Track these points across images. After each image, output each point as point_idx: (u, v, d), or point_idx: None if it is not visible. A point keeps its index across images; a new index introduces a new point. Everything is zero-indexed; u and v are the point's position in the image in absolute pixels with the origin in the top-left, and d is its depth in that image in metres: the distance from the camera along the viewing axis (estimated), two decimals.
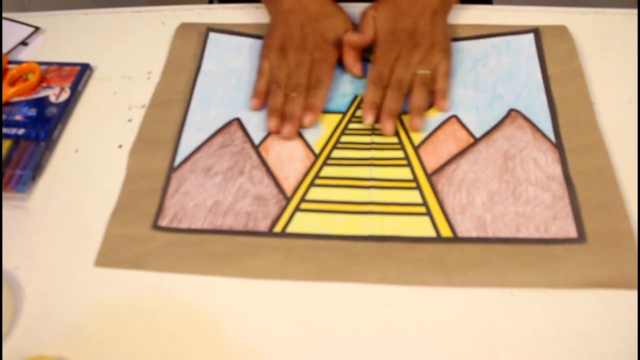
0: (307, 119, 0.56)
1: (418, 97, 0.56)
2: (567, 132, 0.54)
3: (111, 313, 0.45)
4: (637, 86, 0.58)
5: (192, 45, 0.65)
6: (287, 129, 0.55)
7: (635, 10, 0.66)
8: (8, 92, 0.59)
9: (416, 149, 0.54)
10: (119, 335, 0.43)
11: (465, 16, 0.66)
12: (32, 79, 0.60)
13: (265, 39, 0.62)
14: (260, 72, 0.60)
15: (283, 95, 0.57)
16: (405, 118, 0.56)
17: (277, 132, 0.55)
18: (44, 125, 0.57)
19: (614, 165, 0.51)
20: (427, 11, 0.61)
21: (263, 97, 0.58)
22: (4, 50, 0.65)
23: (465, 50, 0.63)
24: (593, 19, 0.65)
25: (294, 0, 0.63)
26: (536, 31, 0.63)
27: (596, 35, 0.63)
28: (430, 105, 0.57)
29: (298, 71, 0.58)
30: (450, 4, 0.64)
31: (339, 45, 0.61)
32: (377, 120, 0.56)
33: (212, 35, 0.66)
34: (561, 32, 0.63)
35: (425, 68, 0.57)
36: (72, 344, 0.43)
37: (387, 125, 0.55)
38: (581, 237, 0.47)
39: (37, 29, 0.68)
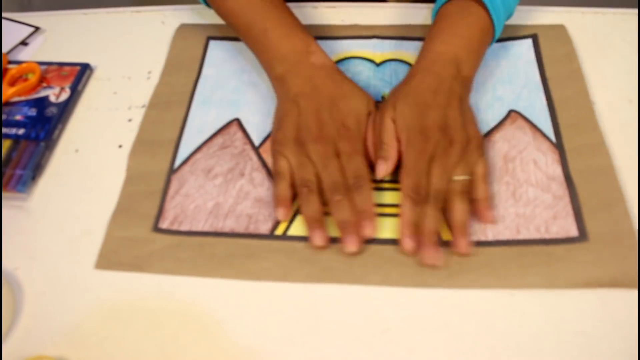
0: (367, 229, 0.46)
1: (461, 211, 0.47)
2: (567, 132, 0.54)
3: (111, 313, 0.45)
4: (637, 86, 0.58)
5: (191, 47, 0.65)
6: (352, 242, 0.46)
7: (635, 10, 0.66)
8: (8, 92, 0.59)
9: None
10: (119, 336, 0.43)
11: None
12: (32, 79, 0.60)
13: (275, 132, 0.53)
14: (277, 173, 0.50)
15: (318, 200, 0.48)
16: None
17: (326, 246, 0.47)
18: (44, 125, 0.57)
19: (614, 165, 0.51)
20: (454, 100, 0.51)
21: (291, 203, 0.49)
22: (4, 50, 0.65)
23: None
24: (593, 19, 0.65)
25: (304, 81, 0.54)
26: (534, 37, 0.63)
27: (596, 35, 0.63)
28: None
29: (328, 168, 0.49)
30: (470, 86, 0.55)
31: (362, 130, 0.52)
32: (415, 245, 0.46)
33: (212, 43, 0.66)
34: (560, 34, 0.63)
35: (463, 171, 0.48)
36: (72, 344, 0.43)
37: (432, 255, 0.45)
38: (582, 236, 0.47)
39: (37, 28, 0.68)
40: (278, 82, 0.56)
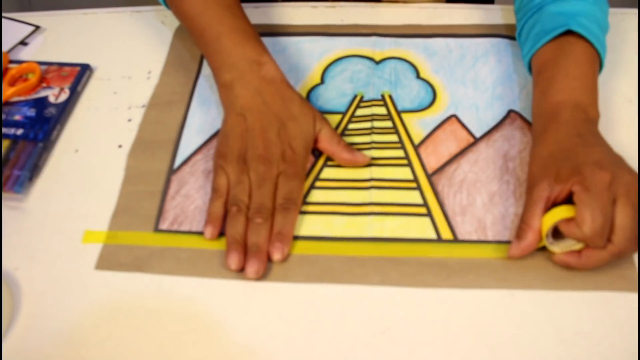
0: (277, 253, 0.46)
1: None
2: None
3: (111, 313, 0.45)
4: (637, 86, 0.58)
5: (190, 47, 0.65)
6: (253, 268, 0.45)
7: (635, 10, 0.66)
8: (8, 92, 0.59)
9: (416, 148, 0.54)
10: (119, 336, 0.43)
11: (465, 16, 0.66)
12: (32, 79, 0.60)
13: (220, 144, 0.52)
14: (215, 189, 0.50)
15: (245, 221, 0.47)
16: (405, 116, 0.56)
17: (240, 270, 0.46)
18: (43, 125, 0.57)
19: None
20: (604, 146, 0.47)
21: (221, 223, 0.48)
22: (4, 49, 0.65)
23: (465, 48, 0.63)
24: None
25: (252, 94, 0.52)
26: None
27: None
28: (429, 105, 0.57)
29: (262, 189, 0.48)
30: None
31: (307, 153, 0.52)
32: None
33: None
34: None
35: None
36: (72, 344, 0.43)
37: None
38: None
39: (37, 27, 0.68)
40: (225, 89, 0.54)
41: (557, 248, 0.44)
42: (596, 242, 0.42)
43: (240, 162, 0.50)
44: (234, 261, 0.46)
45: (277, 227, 0.47)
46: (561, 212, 0.43)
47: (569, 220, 0.43)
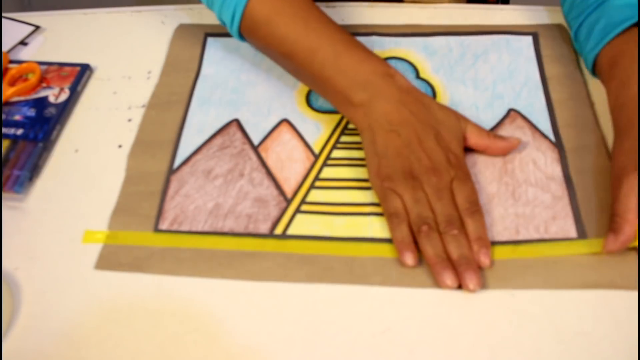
0: (485, 259, 0.44)
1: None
2: (567, 132, 0.54)
3: (111, 313, 0.45)
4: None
5: (190, 47, 0.65)
6: (474, 281, 0.43)
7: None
8: (8, 91, 0.59)
9: None
10: (118, 336, 0.43)
11: (465, 16, 0.66)
12: (32, 79, 0.60)
13: (379, 166, 0.49)
14: (393, 214, 0.47)
15: (439, 236, 0.45)
16: None
17: (457, 287, 0.44)
18: (43, 125, 0.57)
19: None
20: None
21: (414, 246, 0.46)
22: (4, 49, 0.65)
23: (465, 46, 0.63)
24: None
25: (396, 107, 0.50)
26: (535, 35, 0.63)
27: None
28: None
29: (443, 200, 0.46)
30: None
31: (464, 153, 0.51)
32: None
33: (210, 39, 0.66)
34: (559, 33, 0.63)
35: None
36: (72, 344, 0.43)
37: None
38: (581, 237, 0.47)
39: (37, 27, 0.68)
40: (362, 108, 0.51)
41: None
42: None
43: (409, 179, 0.47)
44: (451, 279, 0.43)
45: (474, 233, 0.45)
46: None
47: None
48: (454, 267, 0.44)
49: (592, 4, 0.56)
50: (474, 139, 0.51)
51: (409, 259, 0.45)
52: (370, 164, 0.50)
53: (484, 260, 0.45)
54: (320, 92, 0.55)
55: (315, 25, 0.54)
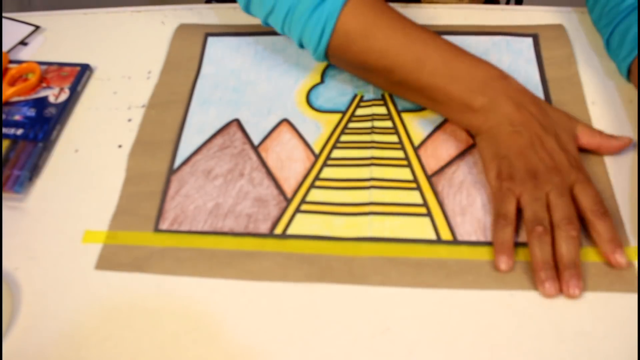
0: (622, 258, 0.44)
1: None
2: None
3: (111, 313, 0.45)
4: (636, 86, 0.58)
5: (190, 47, 0.65)
6: (577, 289, 0.43)
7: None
8: (8, 91, 0.59)
9: (416, 150, 0.54)
10: (119, 336, 0.43)
11: (466, 16, 0.66)
12: (32, 79, 0.60)
13: (500, 167, 0.48)
14: (504, 215, 0.46)
15: (551, 240, 0.45)
16: (405, 116, 0.56)
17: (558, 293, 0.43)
18: (43, 125, 0.57)
19: (612, 167, 0.51)
20: None
21: (513, 250, 0.45)
22: (4, 49, 0.65)
23: (465, 46, 0.62)
24: None
25: (516, 109, 0.50)
26: (535, 36, 0.63)
27: (596, 35, 0.63)
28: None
29: (564, 198, 0.46)
30: None
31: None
32: None
33: (210, 39, 0.66)
34: (559, 35, 0.63)
35: None
36: (72, 344, 0.43)
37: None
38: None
39: (37, 27, 0.68)
40: (483, 112, 0.50)
41: None
42: None
43: (531, 178, 0.47)
44: (553, 288, 0.43)
45: (606, 234, 0.45)
46: None
47: None
48: (558, 268, 0.44)
49: (622, 11, 0.55)
50: (585, 139, 0.51)
51: (504, 263, 0.45)
52: (490, 167, 0.49)
53: (621, 259, 0.44)
54: (428, 103, 0.54)
55: (415, 35, 0.53)
